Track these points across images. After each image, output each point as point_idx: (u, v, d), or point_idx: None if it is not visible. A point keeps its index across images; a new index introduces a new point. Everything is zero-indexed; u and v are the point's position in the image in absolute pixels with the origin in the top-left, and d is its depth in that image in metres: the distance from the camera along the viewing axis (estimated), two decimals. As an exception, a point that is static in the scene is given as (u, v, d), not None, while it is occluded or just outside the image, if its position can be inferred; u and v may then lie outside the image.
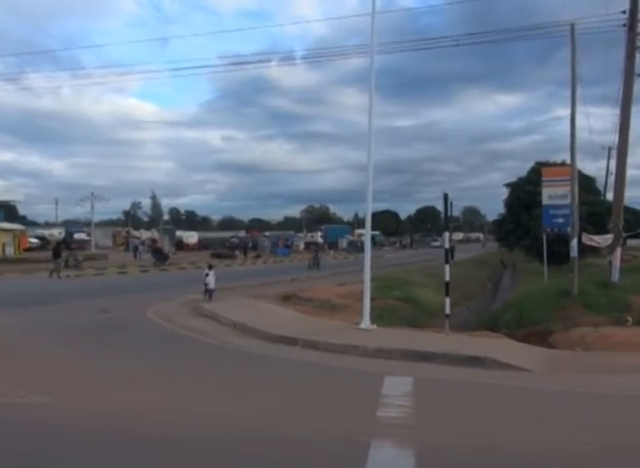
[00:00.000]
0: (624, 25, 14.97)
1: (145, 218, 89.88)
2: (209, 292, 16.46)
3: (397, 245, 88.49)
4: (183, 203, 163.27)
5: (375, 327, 11.47)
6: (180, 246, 61.37)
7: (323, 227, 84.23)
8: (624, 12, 14.97)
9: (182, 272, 32.25)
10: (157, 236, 60.18)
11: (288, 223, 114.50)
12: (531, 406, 6.56)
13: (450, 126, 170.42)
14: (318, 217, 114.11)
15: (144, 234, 66.99)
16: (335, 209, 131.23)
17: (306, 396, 6.85)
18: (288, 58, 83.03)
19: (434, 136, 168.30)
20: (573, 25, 14.66)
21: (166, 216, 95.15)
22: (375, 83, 12.10)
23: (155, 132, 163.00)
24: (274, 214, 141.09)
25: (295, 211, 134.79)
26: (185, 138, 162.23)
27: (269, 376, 8.09)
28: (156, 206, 76.34)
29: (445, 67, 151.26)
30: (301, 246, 70.65)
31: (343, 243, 73.85)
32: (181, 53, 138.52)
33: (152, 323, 12.99)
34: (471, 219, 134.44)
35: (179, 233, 68.79)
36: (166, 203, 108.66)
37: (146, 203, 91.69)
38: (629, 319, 11.52)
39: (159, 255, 37.74)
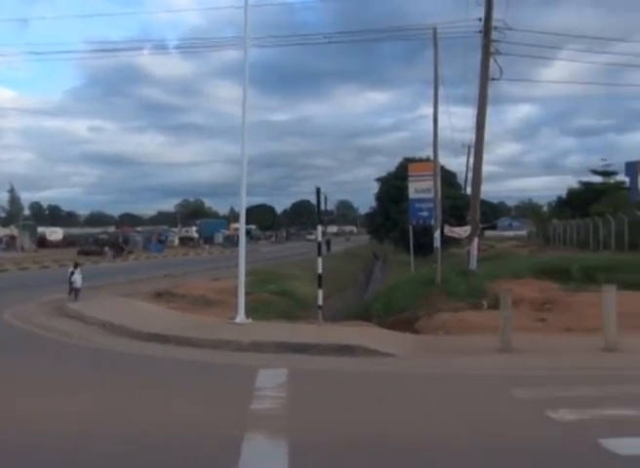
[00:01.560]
0: (481, 32, 16.14)
1: (2, 214, 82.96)
2: (75, 292, 15.62)
3: (273, 239, 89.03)
4: (47, 197, 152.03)
5: (249, 321, 11.50)
6: (43, 243, 57.50)
7: (198, 222, 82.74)
8: (481, 19, 16.15)
9: (45, 271, 30.26)
10: (16, 232, 55.78)
11: (161, 218, 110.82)
12: (395, 389, 6.94)
13: (324, 121, 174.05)
14: (193, 212, 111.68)
15: (1, 231, 61.93)
16: (210, 203, 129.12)
17: (179, 393, 6.75)
18: (161, 47, 79.97)
19: (309, 131, 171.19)
20: (435, 29, 15.59)
21: (26, 211, 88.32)
22: (250, 76, 12.13)
23: (13, 119, 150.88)
24: (147, 209, 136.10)
25: (169, 205, 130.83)
26: (48, 128, 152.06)
27: (140, 375, 7.87)
28: (15, 200, 70.60)
29: (320, 63, 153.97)
30: (176, 241, 68.99)
31: (219, 237, 73.12)
32: (44, 35, 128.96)
33: (10, 325, 12.11)
34: (345, 213, 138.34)
35: (41, 229, 64.33)
36: (26, 197, 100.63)
37: (3, 196, 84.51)
38: (484, 303, 12.51)
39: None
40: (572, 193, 53.66)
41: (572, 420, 5.48)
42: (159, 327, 10.86)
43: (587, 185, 51.80)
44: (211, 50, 28.69)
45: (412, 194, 22.19)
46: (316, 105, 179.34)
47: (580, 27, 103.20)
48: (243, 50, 12.28)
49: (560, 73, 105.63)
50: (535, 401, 6.15)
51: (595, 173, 51.87)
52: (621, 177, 51.63)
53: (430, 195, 18.98)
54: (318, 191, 11.08)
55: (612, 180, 50.84)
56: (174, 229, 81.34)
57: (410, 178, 22.47)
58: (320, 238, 11.48)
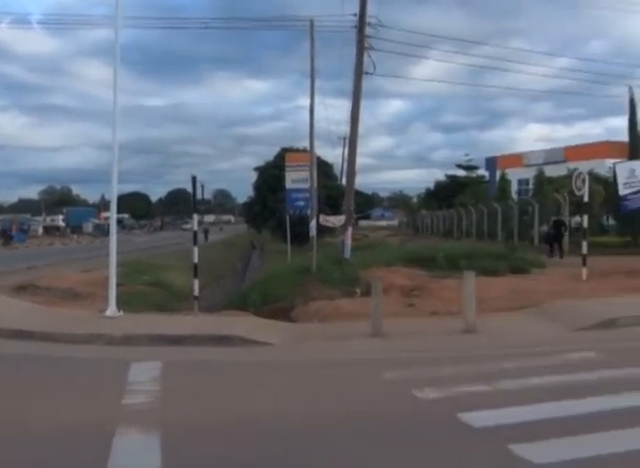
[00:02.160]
0: (355, 27, 16.59)
1: None
2: None
3: (147, 228, 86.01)
4: None
5: (121, 313, 11.05)
6: None
7: (65, 210, 77.92)
8: (355, 15, 16.60)
9: None
10: None
11: (23, 206, 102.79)
12: (271, 376, 7.05)
13: (202, 108, 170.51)
14: (59, 199, 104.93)
15: None
16: (78, 190, 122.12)
17: (43, 392, 6.35)
18: (22, 21, 73.91)
19: (186, 118, 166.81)
20: (312, 21, 15.81)
21: None
22: (122, 58, 11.59)
23: None
24: (7, 196, 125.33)
25: (32, 192, 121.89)
26: None
27: (-1, 375, 7.31)
28: None
29: (198, 48, 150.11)
30: (40, 230, 64.52)
31: (89, 226, 69.40)
32: None
33: None
34: (223, 202, 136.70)
35: None
36: None
37: None
38: (357, 291, 12.99)
39: None
40: (439, 185, 57.12)
41: (435, 398, 5.88)
42: (21, 322, 10.12)
43: (452, 178, 55.39)
44: (79, 27, 26.94)
45: (288, 184, 22.45)
46: (194, 91, 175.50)
47: (448, 29, 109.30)
48: (114, 29, 11.70)
49: (430, 71, 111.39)
50: (403, 381, 6.51)
51: (459, 167, 55.60)
52: (482, 172, 55.77)
53: (307, 185, 19.28)
54: (194, 180, 10.88)
55: (474, 174, 54.72)
56: (37, 218, 75.95)
57: (287, 168, 22.70)
58: (196, 227, 11.29)
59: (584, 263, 14.32)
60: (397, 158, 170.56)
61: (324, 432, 4.92)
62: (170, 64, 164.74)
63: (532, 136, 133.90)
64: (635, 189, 15.81)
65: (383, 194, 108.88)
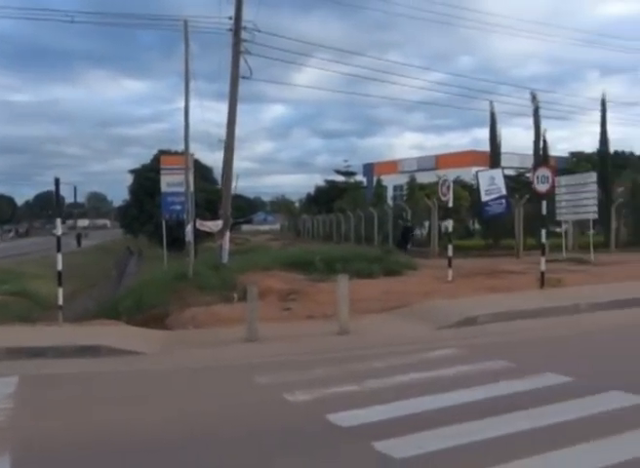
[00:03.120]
0: (231, 30, 16.48)
1: None
2: None
3: (12, 233, 79.97)
4: None
5: (-25, 326, 10.17)
6: None
7: None
8: (231, 18, 16.48)
9: None
10: None
11: None
12: (140, 387, 6.79)
13: (75, 106, 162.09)
14: None
15: None
16: None
17: None
18: None
19: (58, 116, 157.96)
20: (186, 22, 15.48)
21: None
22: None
23: None
24: None
25: None
26: None
27: None
28: None
29: (69, 43, 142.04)
30: None
31: None
32: None
33: None
34: (98, 205, 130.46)
35: None
36: None
37: None
38: (235, 296, 12.85)
39: None
40: (318, 190, 58.32)
41: (305, 400, 5.96)
42: None
43: (332, 184, 56.75)
44: None
45: (164, 187, 21.85)
46: (66, 88, 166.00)
47: (328, 39, 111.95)
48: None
49: (310, 79, 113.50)
50: (274, 385, 6.53)
51: (338, 172, 57.06)
52: (361, 177, 57.70)
53: (183, 189, 18.84)
54: (57, 182, 10.24)
55: (352, 180, 56.39)
56: None
57: (162, 171, 22.09)
58: (60, 232, 10.62)
59: (450, 265, 15.19)
60: (280, 162, 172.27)
61: (189, 441, 4.81)
62: (40, 58, 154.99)
63: (407, 144, 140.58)
64: (495, 196, 17.04)
65: (266, 198, 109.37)
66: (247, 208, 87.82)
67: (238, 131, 17.37)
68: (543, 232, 14.16)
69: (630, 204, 28.90)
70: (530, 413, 5.26)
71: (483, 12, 79.55)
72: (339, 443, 4.76)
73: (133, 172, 42.14)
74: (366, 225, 32.98)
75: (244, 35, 16.19)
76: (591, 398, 5.70)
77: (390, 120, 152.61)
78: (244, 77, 16.45)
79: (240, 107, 16.85)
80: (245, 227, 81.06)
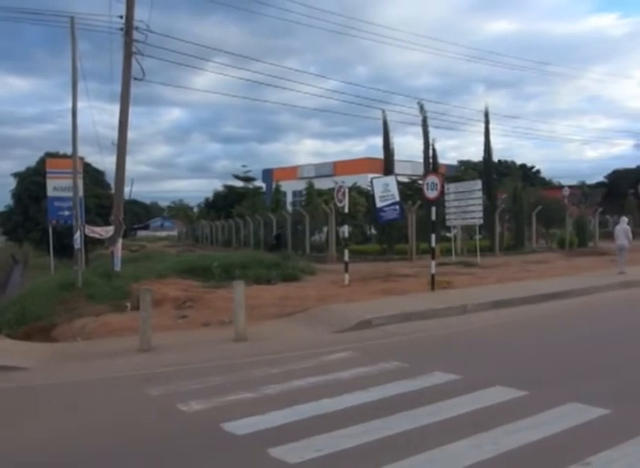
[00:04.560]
0: (122, 29, 15.89)
1: None
2: None
3: None
4: None
5: None
6: None
7: None
8: (122, 17, 15.89)
9: None
10: None
11: None
12: (20, 405, 6.37)
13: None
14: None
15: None
16: None
17: None
18: None
19: None
20: (73, 19, 14.70)
21: None
22: None
23: None
24: None
25: None
26: None
27: None
28: None
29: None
30: None
31: None
32: None
33: None
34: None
35: None
36: None
37: None
38: (128, 305, 12.35)
39: None
40: (217, 196, 57.62)
41: (200, 409, 5.84)
42: None
43: (230, 189, 56.22)
44: None
45: (50, 192, 20.65)
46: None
47: (226, 43, 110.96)
48: None
49: (208, 83, 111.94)
50: (168, 396, 6.35)
51: (237, 178, 56.56)
52: (260, 183, 57.62)
53: (71, 193, 17.90)
54: None
55: (251, 185, 56.16)
56: None
57: (48, 175, 20.85)
58: None
59: (347, 269, 15.51)
60: (178, 167, 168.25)
61: (74, 457, 4.56)
62: None
63: (306, 151, 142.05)
64: (389, 202, 17.58)
65: (164, 204, 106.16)
66: (143, 213, 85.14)
67: (134, 134, 16.99)
68: (433, 237, 14.79)
69: (512, 210, 30.95)
70: (423, 411, 5.48)
71: (378, 24, 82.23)
72: (233, 451, 4.70)
73: (17, 175, 39.47)
74: (265, 231, 32.97)
75: (136, 35, 15.67)
76: (477, 393, 6.03)
77: (289, 126, 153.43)
78: (136, 78, 15.90)
79: (136, 110, 16.72)
80: (141, 233, 78.48)
